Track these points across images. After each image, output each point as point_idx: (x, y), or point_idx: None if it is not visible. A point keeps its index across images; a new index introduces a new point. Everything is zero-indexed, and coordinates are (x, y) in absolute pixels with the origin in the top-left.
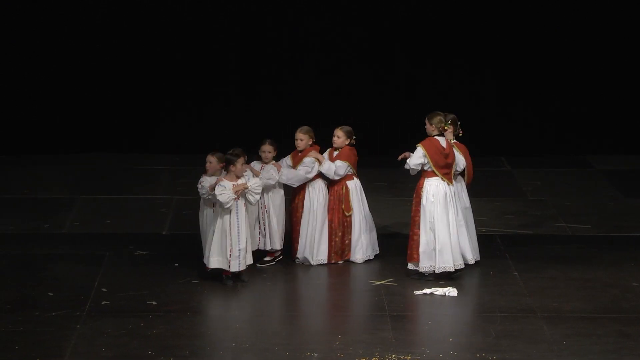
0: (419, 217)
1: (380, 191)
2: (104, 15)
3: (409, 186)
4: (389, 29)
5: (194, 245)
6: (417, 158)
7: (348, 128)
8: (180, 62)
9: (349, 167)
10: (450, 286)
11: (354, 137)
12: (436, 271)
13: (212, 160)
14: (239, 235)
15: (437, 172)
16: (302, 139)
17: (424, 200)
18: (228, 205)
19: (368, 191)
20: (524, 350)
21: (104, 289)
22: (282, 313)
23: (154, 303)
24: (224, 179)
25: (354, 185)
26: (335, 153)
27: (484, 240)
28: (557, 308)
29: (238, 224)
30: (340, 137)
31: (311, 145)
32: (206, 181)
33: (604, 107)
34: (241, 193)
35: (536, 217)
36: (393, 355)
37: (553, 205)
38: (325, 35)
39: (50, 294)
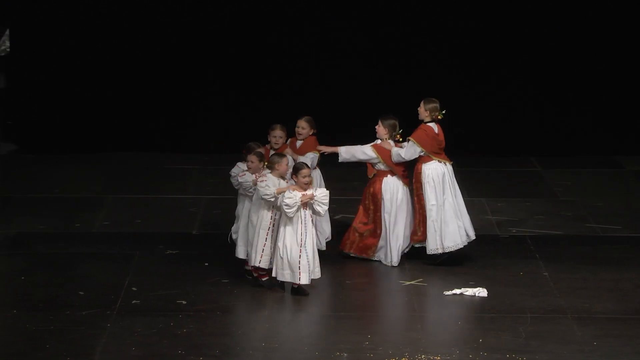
0: (423, 202)
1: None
2: (135, 15)
3: None
4: (411, 26)
5: (224, 245)
6: (413, 152)
7: (309, 117)
8: (212, 62)
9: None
10: (480, 286)
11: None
12: (446, 251)
13: (253, 160)
14: (306, 247)
15: (433, 157)
16: (304, 127)
17: (426, 186)
18: (292, 216)
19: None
20: (554, 351)
21: (134, 288)
22: (311, 313)
23: (184, 302)
24: (292, 188)
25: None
26: (299, 143)
27: (515, 241)
28: (588, 309)
29: (306, 235)
30: (304, 127)
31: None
32: (248, 176)
33: (635, 107)
34: (308, 204)
35: (567, 217)
36: (423, 356)
37: (583, 206)
38: (353, 28)
39: (81, 293)
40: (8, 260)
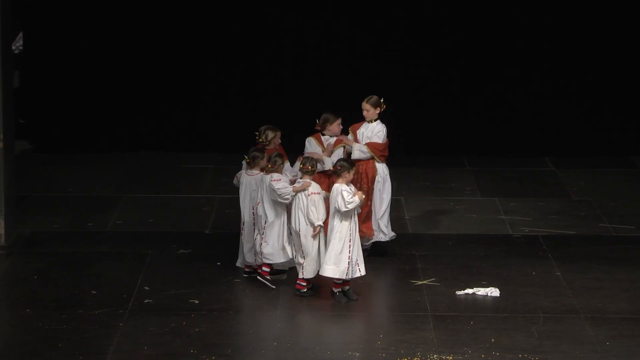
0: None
1: (423, 191)
2: (150, 14)
3: (451, 185)
4: (423, 25)
5: (237, 244)
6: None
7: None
8: (228, 61)
9: None
10: (492, 286)
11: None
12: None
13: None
14: (356, 243)
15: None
16: (368, 109)
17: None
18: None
19: (411, 190)
20: (568, 351)
21: (146, 288)
22: (324, 312)
23: (197, 302)
24: (345, 185)
25: None
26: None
27: (528, 241)
28: (601, 309)
29: (356, 231)
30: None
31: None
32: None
33: None
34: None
35: (580, 217)
36: (435, 356)
37: (597, 206)
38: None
39: (94, 292)
40: (22, 259)
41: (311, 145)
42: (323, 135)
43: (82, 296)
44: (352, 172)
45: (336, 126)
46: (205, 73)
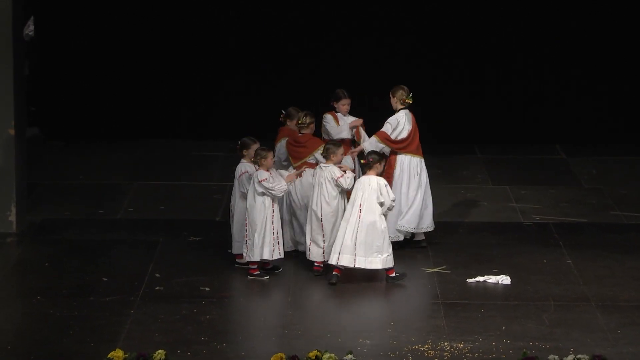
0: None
1: (434, 179)
2: (161, 2)
3: (463, 174)
4: (433, 15)
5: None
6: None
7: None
8: (238, 49)
9: None
10: (503, 274)
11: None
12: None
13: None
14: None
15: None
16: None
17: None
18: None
19: None
20: (578, 339)
21: (157, 275)
22: (335, 300)
23: (207, 289)
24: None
25: None
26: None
27: (539, 229)
28: (612, 297)
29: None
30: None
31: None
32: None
33: None
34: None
35: (591, 205)
36: (446, 343)
37: (608, 194)
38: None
39: (105, 279)
40: (33, 246)
41: (329, 122)
42: (337, 112)
43: (93, 283)
44: (383, 164)
45: (341, 106)
46: (217, 60)
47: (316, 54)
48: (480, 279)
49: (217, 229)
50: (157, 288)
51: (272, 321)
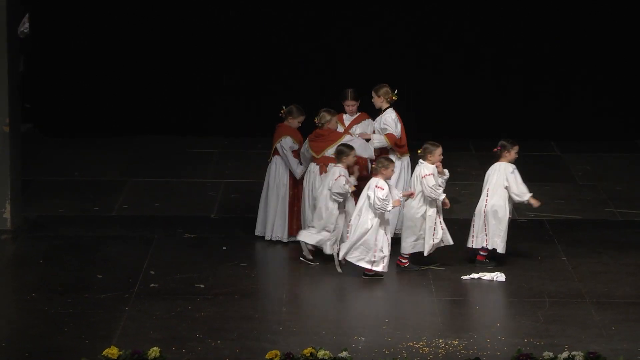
0: None
1: None
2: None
3: (457, 170)
4: (429, 11)
5: (242, 229)
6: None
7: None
8: (234, 45)
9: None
10: (498, 271)
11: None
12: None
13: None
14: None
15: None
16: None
17: None
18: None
19: None
20: (573, 336)
21: (152, 272)
22: (330, 297)
23: (202, 286)
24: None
25: None
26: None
27: (533, 226)
28: (607, 293)
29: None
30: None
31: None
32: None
33: None
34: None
35: (586, 202)
36: (440, 340)
37: (603, 190)
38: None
39: (100, 276)
40: (28, 243)
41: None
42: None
43: (88, 280)
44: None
45: (345, 106)
46: (212, 57)
47: (315, 54)
48: (475, 275)
49: (212, 225)
50: (151, 285)
51: (267, 318)
